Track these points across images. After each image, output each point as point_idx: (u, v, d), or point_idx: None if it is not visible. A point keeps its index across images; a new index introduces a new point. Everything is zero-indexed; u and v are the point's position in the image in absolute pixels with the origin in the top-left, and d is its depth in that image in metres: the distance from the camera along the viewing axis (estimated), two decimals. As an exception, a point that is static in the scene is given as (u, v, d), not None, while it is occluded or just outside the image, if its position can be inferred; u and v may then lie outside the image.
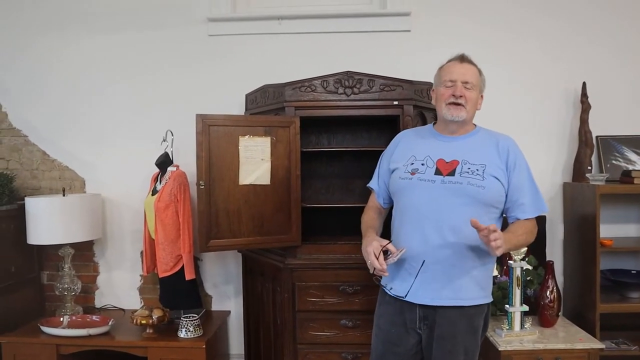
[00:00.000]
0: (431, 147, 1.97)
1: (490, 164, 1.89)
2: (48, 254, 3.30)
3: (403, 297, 1.92)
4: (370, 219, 2.10)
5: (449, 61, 2.02)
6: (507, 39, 3.12)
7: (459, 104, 1.92)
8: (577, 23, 3.11)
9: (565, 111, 3.13)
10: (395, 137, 2.16)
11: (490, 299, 1.98)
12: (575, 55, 3.11)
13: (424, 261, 1.87)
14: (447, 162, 1.91)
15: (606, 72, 3.10)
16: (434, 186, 1.88)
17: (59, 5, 3.26)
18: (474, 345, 1.92)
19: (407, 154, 2.01)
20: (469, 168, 1.88)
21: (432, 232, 1.87)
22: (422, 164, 1.93)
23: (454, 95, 1.92)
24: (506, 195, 1.93)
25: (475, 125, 2.05)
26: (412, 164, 1.96)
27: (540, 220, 3.04)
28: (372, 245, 1.86)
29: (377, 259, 1.82)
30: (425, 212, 1.88)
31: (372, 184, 2.17)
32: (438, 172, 1.90)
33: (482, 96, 2.03)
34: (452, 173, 1.88)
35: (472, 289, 1.89)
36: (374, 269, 1.84)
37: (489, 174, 1.87)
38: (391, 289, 1.95)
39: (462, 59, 1.99)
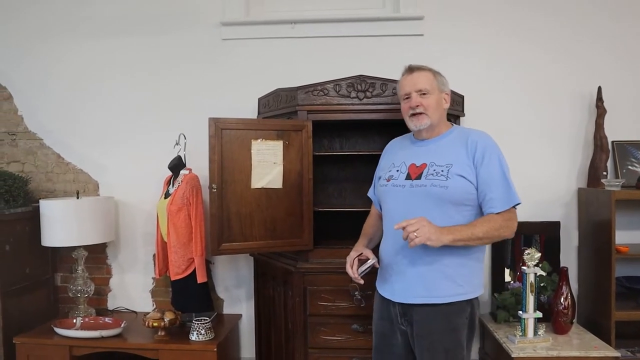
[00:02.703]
0: (407, 153, 2.07)
1: (457, 162, 1.92)
2: (62, 256, 3.33)
3: (385, 296, 2.04)
4: (367, 226, 2.26)
5: (402, 75, 2.09)
6: (520, 44, 3.10)
7: (418, 114, 1.99)
8: (591, 28, 3.08)
9: (580, 116, 3.10)
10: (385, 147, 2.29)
11: (471, 296, 1.96)
12: (590, 60, 3.08)
13: (397, 262, 1.99)
14: (417, 166, 1.99)
15: (622, 77, 3.06)
16: (403, 190, 1.97)
17: (76, 11, 3.30)
18: (454, 345, 1.92)
19: (389, 162, 2.13)
20: (434, 170, 1.93)
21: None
22: (397, 170, 2.03)
23: (411, 108, 2.00)
24: (478, 191, 1.93)
25: (452, 124, 2.11)
26: (390, 171, 2.07)
27: (555, 226, 3.04)
28: (350, 255, 2.03)
29: (352, 268, 1.99)
30: (396, 216, 1.95)
31: (370, 192, 2.31)
32: (408, 176, 1.98)
33: (447, 94, 2.07)
34: (419, 176, 1.95)
35: (446, 286, 1.91)
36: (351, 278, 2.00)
37: (455, 173, 1.90)
38: (359, 298, 2.22)
39: (411, 69, 2.05)
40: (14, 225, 2.96)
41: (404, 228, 1.79)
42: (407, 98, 2.03)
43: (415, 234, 1.76)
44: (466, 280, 1.94)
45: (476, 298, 1.99)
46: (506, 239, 1.96)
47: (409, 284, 1.94)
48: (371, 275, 2.08)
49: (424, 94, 1.99)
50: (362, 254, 2.02)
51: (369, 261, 1.98)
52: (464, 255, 1.92)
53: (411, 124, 2.04)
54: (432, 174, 1.92)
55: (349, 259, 2.02)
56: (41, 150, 3.36)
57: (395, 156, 2.11)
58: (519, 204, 1.94)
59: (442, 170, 1.91)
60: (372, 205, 2.28)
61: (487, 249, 3.12)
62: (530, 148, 3.11)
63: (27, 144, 3.37)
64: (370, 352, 2.51)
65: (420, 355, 1.94)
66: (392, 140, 2.27)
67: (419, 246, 1.83)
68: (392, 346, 2.04)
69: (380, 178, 2.13)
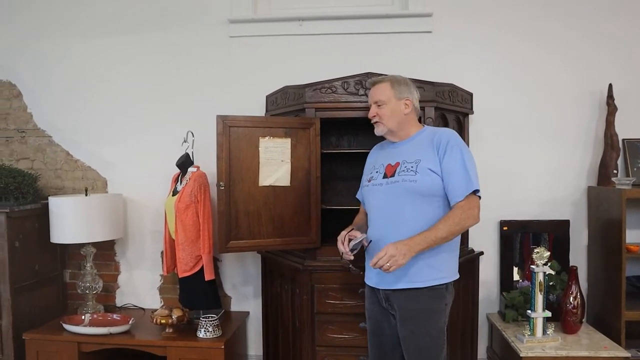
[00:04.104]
0: (385, 156, 2.22)
1: (425, 158, 2.05)
2: (71, 252, 3.35)
3: (371, 286, 2.17)
4: (356, 219, 2.39)
5: None
6: (529, 42, 3.08)
7: (375, 122, 2.18)
8: (601, 26, 3.05)
9: (590, 114, 3.07)
10: None
11: (447, 280, 2.06)
12: (600, 58, 3.05)
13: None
14: (392, 166, 2.14)
15: (632, 74, 3.03)
16: (381, 188, 2.12)
17: (83, 8, 3.31)
18: (437, 330, 2.02)
19: (371, 165, 2.29)
20: (405, 167, 2.08)
21: (385, 222, 2.10)
22: (377, 172, 2.19)
23: (370, 117, 2.20)
24: (443, 182, 2.04)
25: (423, 126, 2.23)
26: (371, 173, 2.23)
27: (564, 225, 3.02)
28: (340, 234, 2.16)
29: (343, 244, 2.11)
30: (377, 211, 2.14)
31: (358, 194, 2.43)
32: (385, 175, 2.14)
33: (407, 100, 2.16)
34: (393, 174, 2.10)
35: (424, 271, 2.02)
36: (342, 253, 2.12)
37: (424, 167, 2.03)
38: (361, 273, 2.25)
39: (372, 83, 2.22)
40: (23, 222, 2.98)
41: (377, 264, 1.94)
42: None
43: (387, 264, 1.91)
44: (444, 266, 2.06)
45: (451, 283, 2.08)
46: (473, 225, 2.04)
47: (393, 273, 2.01)
48: (360, 256, 2.18)
49: (380, 105, 2.16)
50: (350, 230, 2.15)
51: (358, 237, 2.09)
52: (442, 245, 2.01)
53: (375, 130, 2.22)
54: (404, 171, 2.06)
55: (340, 237, 2.14)
56: (50, 148, 3.38)
57: (376, 160, 2.27)
58: (477, 190, 2.01)
59: (411, 167, 2.05)
60: (361, 205, 2.42)
61: (496, 248, 3.11)
62: (539, 146, 3.09)
63: (37, 141, 3.39)
64: (378, 351, 2.55)
65: (405, 339, 2.06)
66: (375, 146, 2.39)
67: (400, 236, 1.97)
68: (384, 329, 2.16)
69: (363, 180, 2.31)
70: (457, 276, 2.12)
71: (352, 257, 2.12)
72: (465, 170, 2.00)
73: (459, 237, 2.11)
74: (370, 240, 2.12)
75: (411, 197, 2.02)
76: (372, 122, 2.21)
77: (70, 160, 3.37)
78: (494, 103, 3.06)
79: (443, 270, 2.05)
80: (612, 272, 2.76)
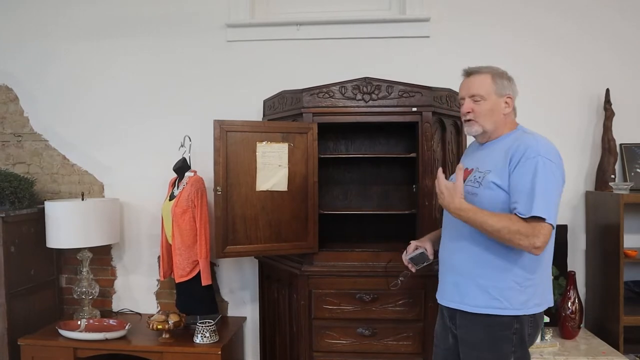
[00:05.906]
0: (470, 157, 2.03)
1: (495, 169, 1.83)
2: (67, 257, 3.33)
3: (437, 298, 2.05)
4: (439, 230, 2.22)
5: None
6: (527, 46, 3.08)
7: (469, 120, 1.93)
8: (599, 30, 3.06)
9: (587, 118, 3.08)
10: None
11: (513, 313, 1.80)
12: (598, 62, 3.05)
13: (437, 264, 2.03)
14: (468, 171, 1.94)
15: (630, 79, 3.04)
16: None
17: (81, 12, 3.30)
18: (500, 356, 1.82)
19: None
20: (474, 176, 1.89)
21: (446, 238, 1.99)
22: (455, 175, 1.98)
23: (462, 114, 1.96)
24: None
25: (517, 125, 1.96)
26: (454, 175, 2.00)
27: (562, 230, 3.01)
28: (410, 243, 2.09)
29: (405, 254, 2.07)
30: (444, 221, 2.02)
31: None
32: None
33: (509, 97, 1.92)
34: (464, 182, 1.89)
35: (478, 296, 1.84)
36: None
37: (489, 180, 1.82)
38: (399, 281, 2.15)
39: (467, 72, 1.98)
40: (19, 226, 2.96)
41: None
42: (462, 104, 1.97)
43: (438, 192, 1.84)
44: (504, 296, 1.80)
45: (528, 316, 1.83)
46: (526, 250, 1.74)
47: (448, 289, 1.95)
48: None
49: (477, 100, 1.91)
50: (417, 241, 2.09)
51: (417, 250, 2.04)
52: (502, 271, 1.82)
53: (465, 129, 2.01)
54: (472, 180, 1.88)
55: (408, 247, 2.09)
56: (47, 152, 3.37)
57: (464, 159, 2.07)
58: (542, 218, 1.70)
59: (479, 177, 1.85)
60: None
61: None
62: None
63: (33, 145, 3.37)
64: (376, 357, 2.56)
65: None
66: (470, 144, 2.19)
67: (455, 254, 1.90)
68: (440, 348, 2.04)
69: None
70: (534, 310, 1.83)
71: (413, 270, 2.04)
72: (532, 190, 1.70)
73: (540, 269, 1.85)
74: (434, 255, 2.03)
75: None
76: (464, 119, 1.95)
77: (66, 165, 3.36)
78: (491, 108, 3.06)
79: (503, 300, 1.80)
80: (610, 277, 2.76)
